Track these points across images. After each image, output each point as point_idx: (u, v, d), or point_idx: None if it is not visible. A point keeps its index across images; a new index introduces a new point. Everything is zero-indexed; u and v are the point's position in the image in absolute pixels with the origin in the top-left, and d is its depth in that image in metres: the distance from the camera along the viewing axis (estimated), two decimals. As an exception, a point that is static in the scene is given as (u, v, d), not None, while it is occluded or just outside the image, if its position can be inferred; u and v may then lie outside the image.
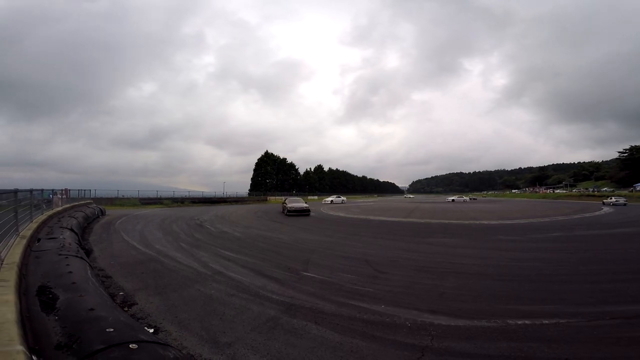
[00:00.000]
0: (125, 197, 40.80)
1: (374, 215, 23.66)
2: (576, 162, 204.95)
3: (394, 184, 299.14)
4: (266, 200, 64.76)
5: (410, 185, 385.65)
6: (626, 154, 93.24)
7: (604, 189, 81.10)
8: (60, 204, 13.93)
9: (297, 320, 4.30)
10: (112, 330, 2.55)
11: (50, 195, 16.73)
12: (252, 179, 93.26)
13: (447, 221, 19.02)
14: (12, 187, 6.69)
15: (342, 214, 25.40)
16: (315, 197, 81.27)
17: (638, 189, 65.68)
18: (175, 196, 47.30)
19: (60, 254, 5.70)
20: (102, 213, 21.86)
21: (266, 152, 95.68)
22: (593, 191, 75.43)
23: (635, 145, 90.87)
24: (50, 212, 12.51)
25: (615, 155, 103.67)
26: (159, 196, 44.99)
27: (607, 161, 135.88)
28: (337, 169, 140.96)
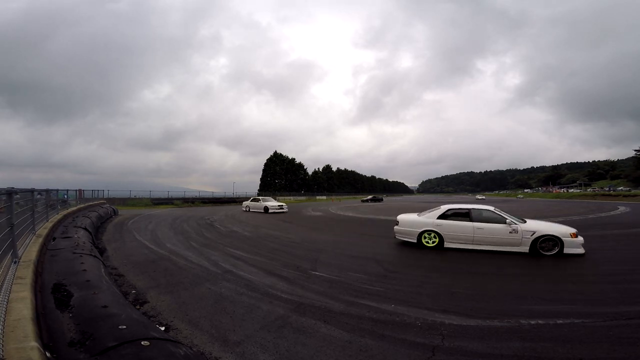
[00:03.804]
0: (138, 197, 41.44)
1: (382, 215, 23.51)
2: (591, 161, 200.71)
3: (403, 183, 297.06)
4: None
5: (419, 185, 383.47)
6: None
7: (620, 188, 79.06)
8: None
9: (306, 319, 4.30)
10: (124, 327, 2.59)
11: (65, 196, 17.09)
12: (261, 179, 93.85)
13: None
14: (29, 188, 6.85)
15: (350, 214, 25.31)
16: (324, 198, 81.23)
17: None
18: (185, 196, 47.84)
19: (74, 253, 5.83)
20: (115, 213, 22.24)
21: (275, 153, 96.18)
22: (609, 190, 73.55)
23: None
24: (65, 212, 12.79)
25: (632, 153, 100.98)
26: (170, 196, 45.59)
27: (623, 160, 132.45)
28: (345, 169, 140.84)
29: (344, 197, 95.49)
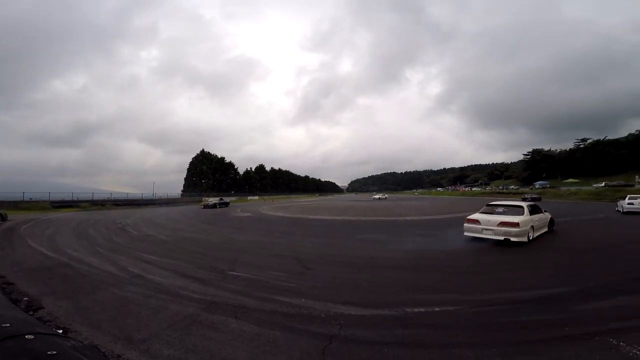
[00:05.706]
0: (34, 199, 35.74)
1: (311, 214, 24.17)
2: (491, 163, 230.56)
3: (334, 183, 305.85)
4: (201, 201, 61.71)
5: (349, 185, 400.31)
6: (529, 157, 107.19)
7: (511, 186, 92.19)
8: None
9: (217, 316, 4.40)
10: (8, 325, 2.47)
11: None
12: (185, 179, 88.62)
13: (376, 218, 20.28)
14: None
15: (280, 214, 25.49)
16: (256, 198, 79.80)
17: (537, 186, 76.20)
18: (94, 198, 42.81)
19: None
20: (3, 218, 19.04)
21: (202, 151, 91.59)
22: (502, 189, 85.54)
23: (536, 149, 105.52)
24: None
25: (522, 157, 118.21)
26: (75, 198, 40.19)
27: (514, 162, 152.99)
28: (280, 168, 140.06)
29: (277, 197, 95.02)
